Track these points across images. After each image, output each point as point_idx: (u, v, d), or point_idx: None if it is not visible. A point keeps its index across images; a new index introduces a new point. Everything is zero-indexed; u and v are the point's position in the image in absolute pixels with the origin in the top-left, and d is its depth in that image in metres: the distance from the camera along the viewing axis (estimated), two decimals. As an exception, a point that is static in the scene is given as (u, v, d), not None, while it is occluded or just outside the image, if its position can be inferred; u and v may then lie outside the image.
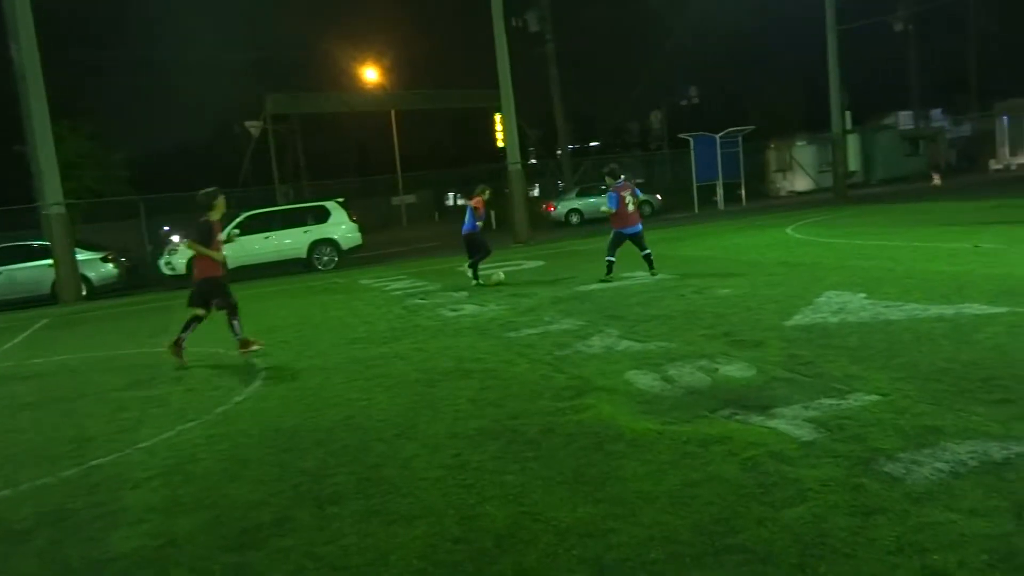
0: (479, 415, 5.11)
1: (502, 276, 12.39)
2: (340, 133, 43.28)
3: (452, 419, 5.09)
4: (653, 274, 10.96)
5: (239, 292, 7.84)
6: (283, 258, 19.45)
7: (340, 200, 20.76)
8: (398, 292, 12.70)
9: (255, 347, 7.99)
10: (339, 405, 5.79)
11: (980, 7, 39.53)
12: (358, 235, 20.32)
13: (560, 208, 29.62)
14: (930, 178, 30.54)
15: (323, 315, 11.05)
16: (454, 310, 9.94)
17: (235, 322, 7.92)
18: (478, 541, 3.31)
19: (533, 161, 42.67)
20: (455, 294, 11.58)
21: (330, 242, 19.74)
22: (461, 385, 5.97)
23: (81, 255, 18.20)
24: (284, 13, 39.79)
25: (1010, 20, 39.27)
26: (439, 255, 20.66)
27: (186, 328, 7.90)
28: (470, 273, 12.48)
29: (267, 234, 19.31)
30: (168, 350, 7.88)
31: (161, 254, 20.33)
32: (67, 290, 17.23)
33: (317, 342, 8.68)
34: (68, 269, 17.35)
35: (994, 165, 36.52)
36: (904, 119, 38.77)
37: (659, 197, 29.75)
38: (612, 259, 11.12)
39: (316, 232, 19.69)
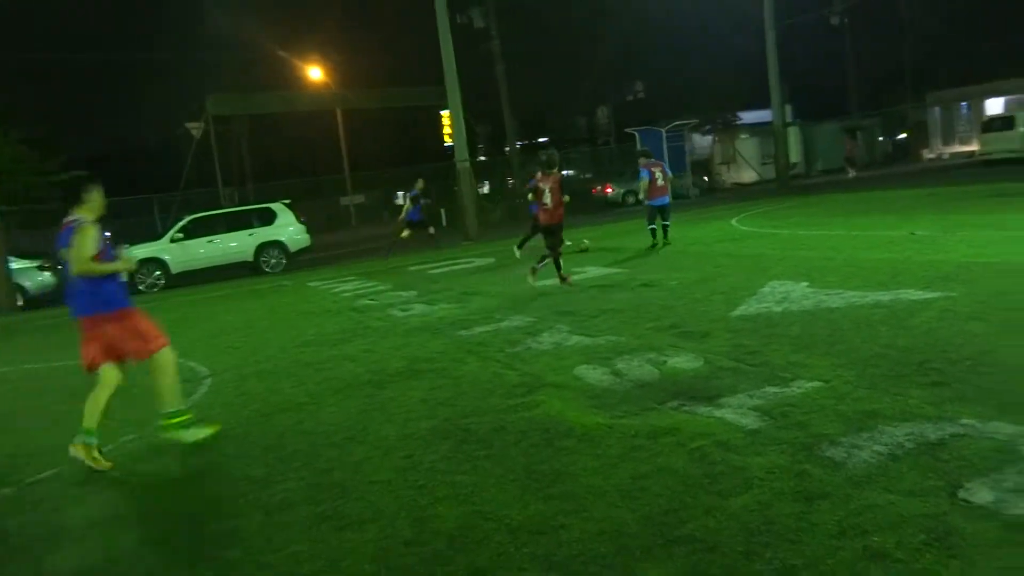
0: (430, 415, 5.09)
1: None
2: (286, 133, 42.56)
3: (403, 420, 5.06)
4: (666, 243, 13.01)
5: (185, 297, 7.68)
6: (229, 261, 19.07)
7: (287, 201, 20.45)
8: (347, 293, 12.56)
9: None
10: (288, 410, 5.71)
11: (913, 2, 40.74)
12: (306, 236, 20.05)
13: (617, 190, 31.20)
14: (845, 171, 31.36)
15: (271, 319, 10.87)
16: (404, 310, 9.88)
17: None
18: (430, 543, 3.29)
19: (482, 158, 42.60)
20: (404, 294, 11.51)
21: (277, 244, 19.43)
22: (412, 385, 5.94)
23: (16, 264, 17.58)
24: (228, 12, 38.91)
25: (942, 14, 40.59)
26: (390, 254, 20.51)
27: None
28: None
29: (212, 237, 18.91)
30: None
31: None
32: (1, 300, 16.63)
33: (265, 346, 8.54)
34: (2, 278, 16.75)
35: (927, 154, 37.76)
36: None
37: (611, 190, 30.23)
38: (653, 227, 13.22)
39: (262, 234, 19.35)
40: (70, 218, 4.98)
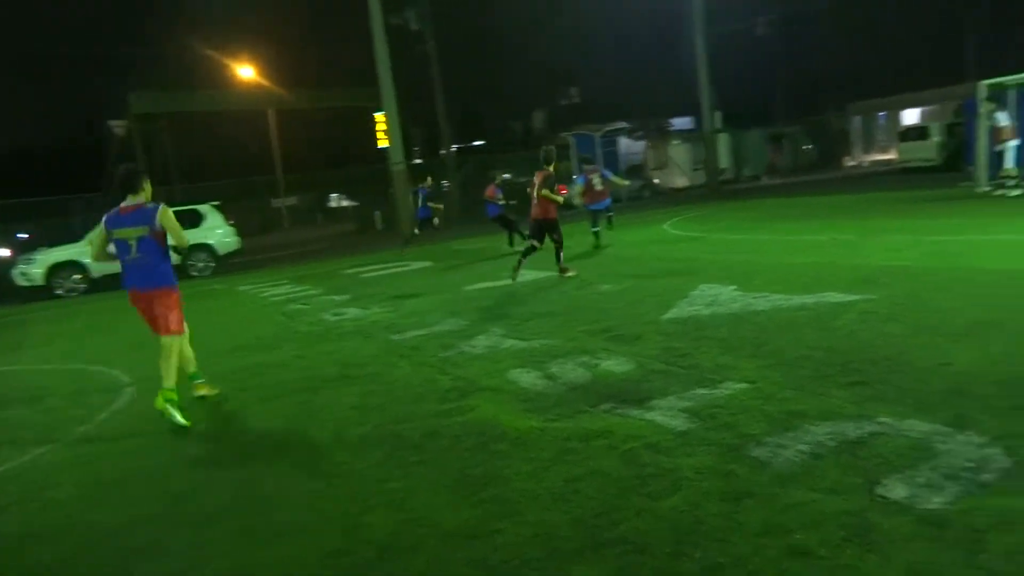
0: (362, 421, 5.01)
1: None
2: (215, 133, 41.48)
3: (334, 427, 4.97)
4: (596, 246, 13.72)
5: (106, 303, 7.40)
6: (155, 265, 18.43)
7: (215, 203, 19.91)
8: (279, 298, 12.30)
9: None
10: (214, 419, 5.54)
11: (837, 14, 42.29)
12: (236, 239, 19.57)
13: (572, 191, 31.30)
14: (769, 176, 32.36)
15: (197, 325, 10.54)
16: (337, 314, 9.72)
17: None
18: (360, 552, 3.24)
19: (418, 161, 42.34)
20: (337, 297, 11.33)
21: (205, 247, 18.89)
22: (344, 391, 5.84)
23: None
24: (155, 8, 37.76)
25: (862, 28, 42.33)
26: (322, 258, 20.20)
27: None
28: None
29: (136, 240, 18.24)
30: None
31: (15, 264, 18.86)
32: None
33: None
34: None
35: (849, 162, 39.21)
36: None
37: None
38: (597, 230, 14.03)
39: (190, 237, 18.79)
40: (132, 203, 5.60)
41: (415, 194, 18.70)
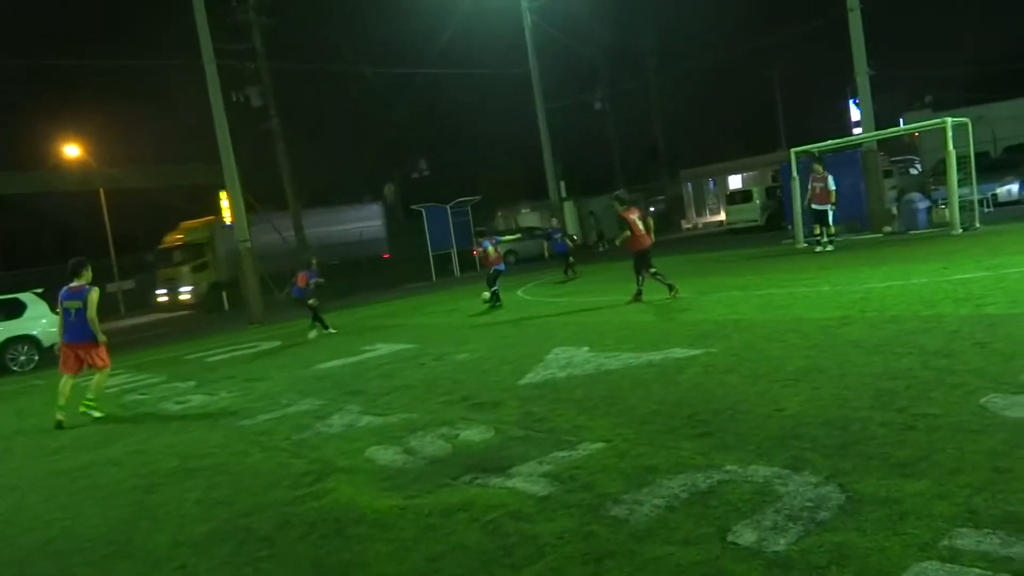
0: (207, 517, 4.66)
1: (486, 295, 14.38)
2: (38, 215, 38.59)
3: (175, 526, 4.58)
4: (486, 300, 14.58)
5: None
6: (-32, 361, 16.63)
7: (38, 291, 18.33)
8: (113, 389, 11.35)
9: None
10: (35, 528, 4.97)
11: (663, 91, 45.80)
12: (63, 329, 18.02)
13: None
14: (598, 245, 33.98)
15: (18, 424, 9.56)
16: (180, 403, 9.10)
17: None
18: (205, 664, 2.95)
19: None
20: (181, 385, 10.63)
21: (28, 339, 17.26)
22: (186, 486, 5.42)
23: None
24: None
25: (689, 101, 46.17)
26: (165, 343, 18.98)
27: None
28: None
29: (-54, 335, 16.45)
30: None
31: None
32: None
33: (8, 457, 7.46)
34: None
35: (685, 224, 41.93)
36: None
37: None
38: (495, 288, 14.75)
39: (9, 328, 17.10)
40: (77, 284, 8.79)
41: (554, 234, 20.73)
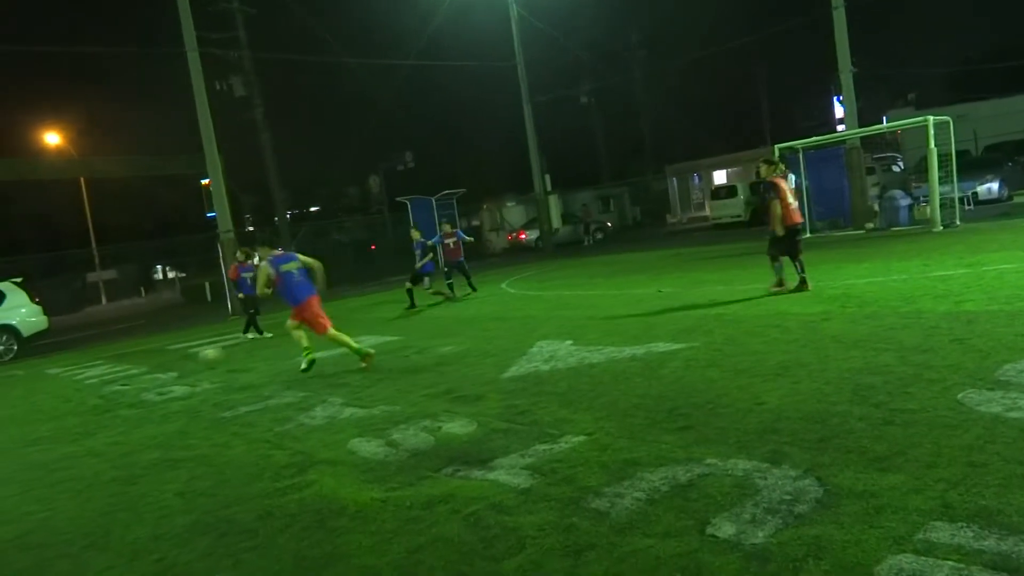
0: (188, 509, 4.64)
1: (211, 354, 10.60)
2: (18, 204, 38.12)
3: (156, 519, 4.56)
4: (444, 295, 15.56)
5: None
6: (-56, 352, 16.46)
7: (17, 280, 18.14)
8: (93, 380, 11.28)
9: None
10: (11, 522, 4.92)
11: (649, 86, 45.89)
12: (43, 319, 17.86)
13: (530, 235, 35.02)
14: (582, 240, 34.20)
15: (-5, 415, 9.45)
16: (161, 394, 9.05)
17: None
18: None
19: (250, 228, 40.89)
20: (163, 376, 10.56)
21: (7, 329, 17.09)
22: (167, 478, 5.39)
23: None
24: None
25: (674, 96, 46.31)
26: (146, 334, 18.85)
27: None
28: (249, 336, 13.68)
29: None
30: None
31: None
32: None
33: (-14, 448, 7.38)
34: None
35: (670, 219, 42.09)
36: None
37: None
38: (451, 282, 15.82)
39: (-11, 318, 16.94)
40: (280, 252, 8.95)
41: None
